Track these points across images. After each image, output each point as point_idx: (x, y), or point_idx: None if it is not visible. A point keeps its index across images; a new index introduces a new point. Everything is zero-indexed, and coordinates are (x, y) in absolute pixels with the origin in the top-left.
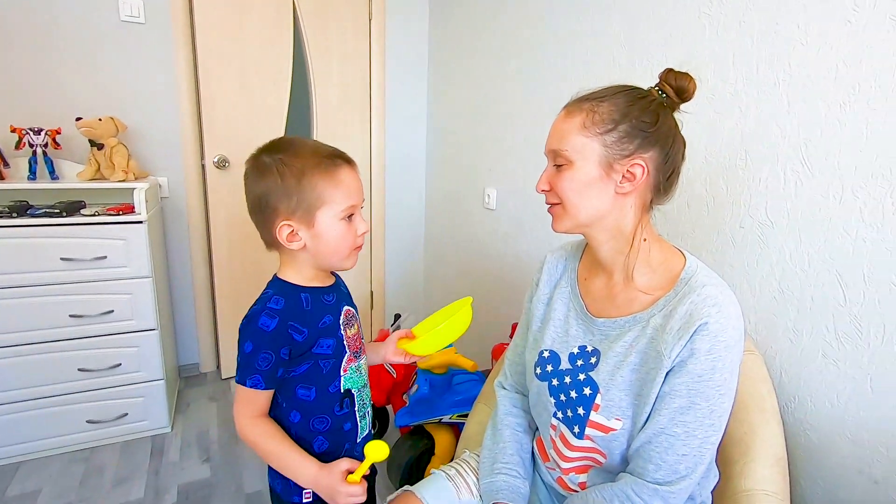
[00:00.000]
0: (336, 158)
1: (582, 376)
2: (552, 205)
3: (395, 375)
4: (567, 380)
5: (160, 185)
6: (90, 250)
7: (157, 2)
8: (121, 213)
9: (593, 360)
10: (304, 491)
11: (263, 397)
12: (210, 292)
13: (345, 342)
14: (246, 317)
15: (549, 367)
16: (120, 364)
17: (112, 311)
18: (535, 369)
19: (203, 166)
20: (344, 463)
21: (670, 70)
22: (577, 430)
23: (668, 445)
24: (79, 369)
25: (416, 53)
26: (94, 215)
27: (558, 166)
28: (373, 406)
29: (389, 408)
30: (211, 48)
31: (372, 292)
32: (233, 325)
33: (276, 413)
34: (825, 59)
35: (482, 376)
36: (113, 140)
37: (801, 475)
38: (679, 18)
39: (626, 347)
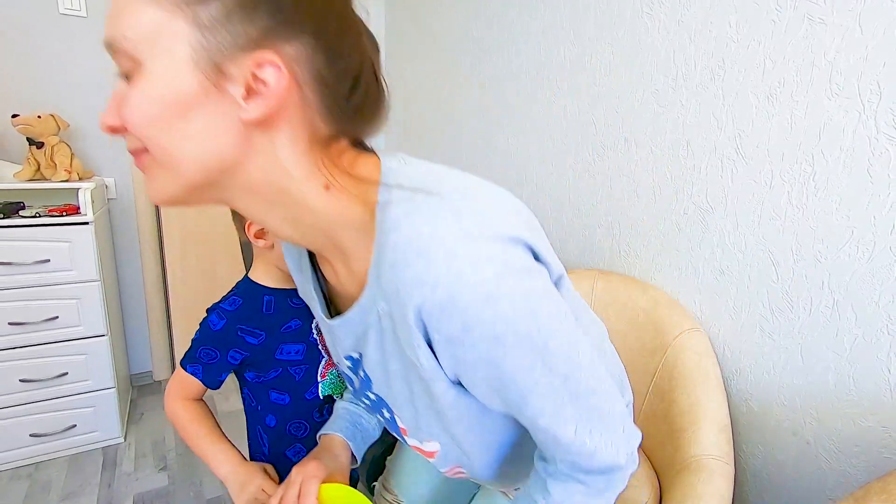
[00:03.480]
0: None
1: (372, 395)
2: (136, 152)
3: None
4: (366, 402)
5: (107, 186)
6: (31, 254)
7: None
8: (64, 213)
9: (362, 372)
10: None
11: (197, 387)
12: (164, 297)
13: (319, 347)
14: (208, 308)
15: (350, 389)
16: (67, 373)
17: (57, 317)
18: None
19: None
20: (262, 475)
21: None
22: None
23: (546, 444)
24: (20, 380)
25: None
26: (34, 216)
27: (128, 78)
28: None
29: None
30: None
31: None
32: (188, 330)
33: (252, 417)
34: (754, 55)
35: None
36: (54, 138)
37: (744, 441)
38: (624, 17)
39: (377, 352)
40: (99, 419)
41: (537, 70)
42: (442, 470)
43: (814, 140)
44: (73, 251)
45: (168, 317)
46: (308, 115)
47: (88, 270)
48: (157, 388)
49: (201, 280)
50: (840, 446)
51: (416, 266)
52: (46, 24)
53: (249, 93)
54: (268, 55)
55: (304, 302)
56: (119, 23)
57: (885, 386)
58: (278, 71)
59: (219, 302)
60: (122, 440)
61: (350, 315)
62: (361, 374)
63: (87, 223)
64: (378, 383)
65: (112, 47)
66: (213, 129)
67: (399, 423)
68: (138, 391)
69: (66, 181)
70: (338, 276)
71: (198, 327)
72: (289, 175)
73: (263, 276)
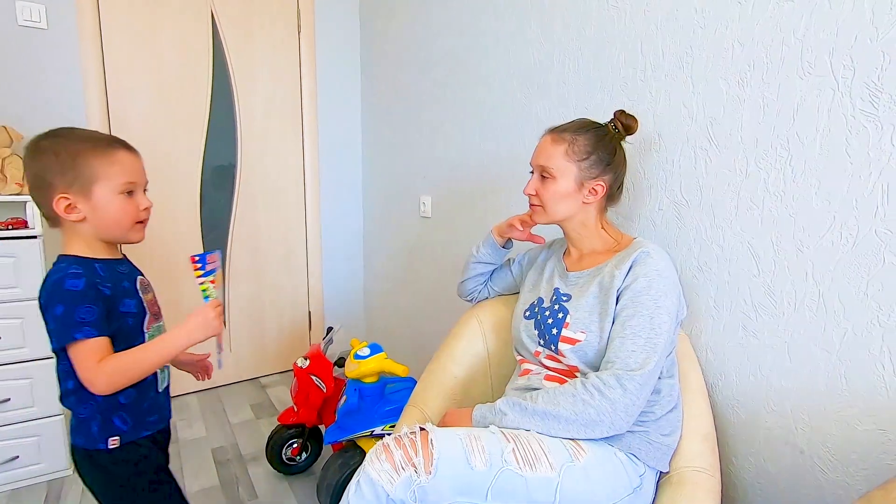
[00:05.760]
0: (114, 143)
1: (556, 307)
2: (535, 205)
3: (324, 390)
4: (546, 312)
5: None
6: None
7: (62, 7)
8: (10, 227)
9: (565, 298)
10: (110, 437)
11: (103, 345)
12: None
13: (145, 305)
14: (47, 286)
15: (536, 309)
16: (9, 399)
17: None
18: (525, 312)
19: None
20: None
21: (622, 111)
22: (553, 347)
23: (619, 345)
24: None
25: (348, 64)
26: None
27: (544, 177)
28: (304, 427)
29: (323, 427)
30: (121, 60)
31: (310, 313)
32: None
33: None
34: (722, 40)
35: (416, 382)
36: (6, 150)
37: (734, 452)
38: (590, 12)
39: (589, 284)
40: (44, 450)
41: (507, 72)
42: (558, 363)
43: (788, 122)
44: (17, 267)
45: None
46: (601, 201)
47: (34, 287)
48: None
49: (158, 293)
50: (836, 454)
51: (640, 253)
52: (3, 36)
53: (588, 194)
54: (599, 182)
55: (127, 268)
56: (550, 160)
57: (879, 383)
58: (602, 188)
59: (56, 275)
60: (70, 472)
61: (587, 271)
62: (555, 298)
63: (34, 237)
64: (573, 300)
65: (543, 168)
66: (571, 204)
67: (567, 320)
68: None
69: (18, 194)
70: (580, 257)
71: (49, 307)
72: (590, 220)
73: (83, 249)
